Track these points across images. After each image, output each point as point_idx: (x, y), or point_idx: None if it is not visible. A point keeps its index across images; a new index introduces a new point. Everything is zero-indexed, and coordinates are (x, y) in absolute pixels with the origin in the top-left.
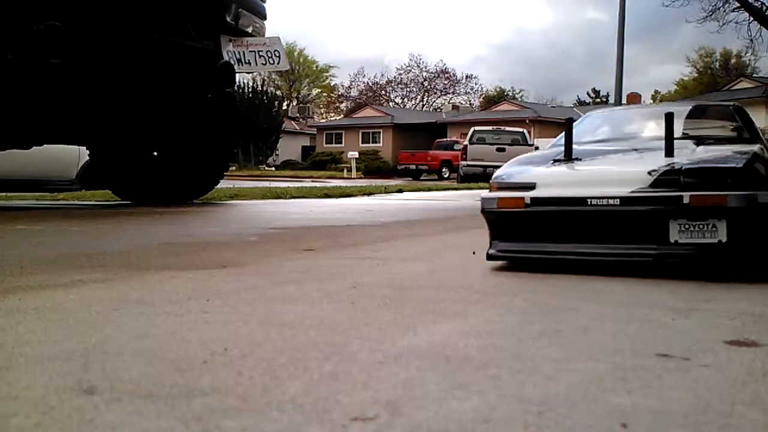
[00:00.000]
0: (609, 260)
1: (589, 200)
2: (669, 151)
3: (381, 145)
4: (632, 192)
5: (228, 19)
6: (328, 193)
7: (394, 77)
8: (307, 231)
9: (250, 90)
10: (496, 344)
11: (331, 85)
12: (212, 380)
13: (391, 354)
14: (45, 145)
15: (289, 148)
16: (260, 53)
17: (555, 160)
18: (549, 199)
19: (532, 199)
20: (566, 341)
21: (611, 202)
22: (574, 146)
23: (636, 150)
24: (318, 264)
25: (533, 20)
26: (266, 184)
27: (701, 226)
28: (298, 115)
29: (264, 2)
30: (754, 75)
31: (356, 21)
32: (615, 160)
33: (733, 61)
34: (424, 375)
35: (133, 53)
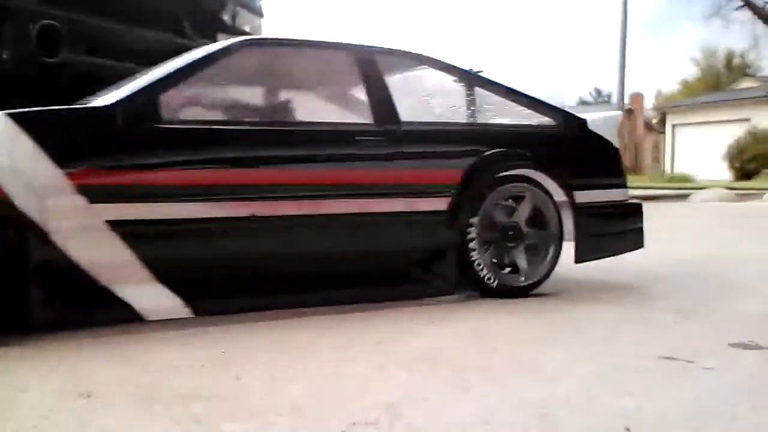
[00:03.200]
0: None
1: None
2: None
3: None
4: None
5: (225, 18)
6: None
7: None
8: None
9: None
10: None
11: None
12: (212, 384)
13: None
14: None
15: None
16: None
17: None
18: None
19: None
20: None
21: None
22: None
23: None
24: None
25: (534, 18)
26: None
27: None
28: None
29: (261, 0)
30: (758, 74)
31: (355, 20)
32: None
33: (736, 60)
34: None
35: (130, 52)
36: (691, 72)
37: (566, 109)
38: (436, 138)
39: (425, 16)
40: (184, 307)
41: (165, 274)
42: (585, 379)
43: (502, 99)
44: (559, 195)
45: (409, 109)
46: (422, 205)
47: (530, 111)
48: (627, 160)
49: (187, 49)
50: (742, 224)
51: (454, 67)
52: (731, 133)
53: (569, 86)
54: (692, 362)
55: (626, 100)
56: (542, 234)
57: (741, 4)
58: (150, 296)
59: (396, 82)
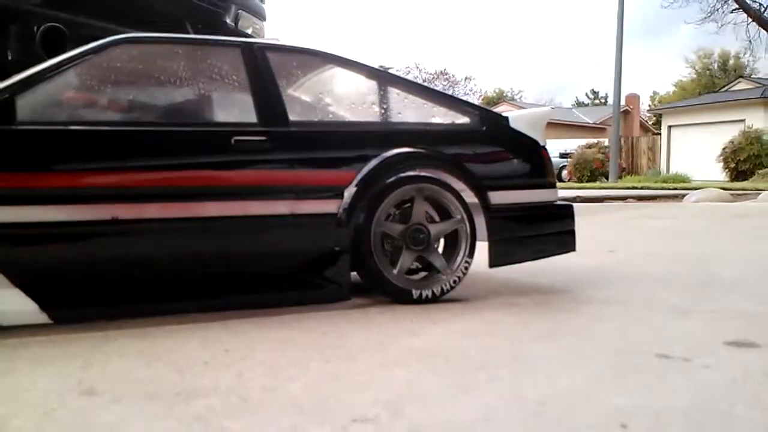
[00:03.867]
0: None
1: None
2: None
3: None
4: None
5: (227, 21)
6: None
7: None
8: None
9: None
10: None
11: None
12: (213, 381)
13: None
14: None
15: None
16: None
17: None
18: None
19: None
20: None
21: None
22: None
23: None
24: None
25: (531, 20)
26: None
27: None
28: None
29: (263, 4)
30: (753, 76)
31: (354, 22)
32: None
33: (731, 62)
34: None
35: None
36: (686, 74)
37: (485, 107)
38: (329, 138)
39: (424, 17)
40: (41, 312)
41: (20, 278)
42: (583, 377)
43: (412, 97)
44: (469, 196)
45: (304, 109)
46: (307, 208)
47: (442, 109)
48: (624, 161)
49: None
50: (738, 224)
51: (362, 64)
52: (726, 134)
53: (566, 88)
54: (689, 360)
55: (622, 102)
56: (450, 237)
57: (736, 6)
58: (3, 301)
59: (294, 81)
